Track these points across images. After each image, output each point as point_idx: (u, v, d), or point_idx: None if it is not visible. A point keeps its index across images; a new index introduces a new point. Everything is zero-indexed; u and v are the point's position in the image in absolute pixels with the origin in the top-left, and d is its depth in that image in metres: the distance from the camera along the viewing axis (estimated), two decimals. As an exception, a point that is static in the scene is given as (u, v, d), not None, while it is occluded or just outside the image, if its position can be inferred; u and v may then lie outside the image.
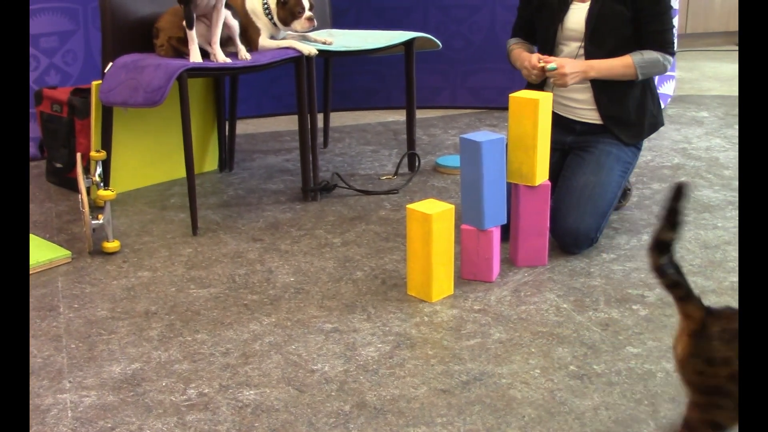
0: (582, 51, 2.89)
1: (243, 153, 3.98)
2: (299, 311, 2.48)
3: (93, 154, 3.11)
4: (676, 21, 4.57)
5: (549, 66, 2.80)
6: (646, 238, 2.93)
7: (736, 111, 4.60)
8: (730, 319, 1.57)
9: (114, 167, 3.32)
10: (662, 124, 3.03)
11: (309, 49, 3.21)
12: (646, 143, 3.19)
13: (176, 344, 2.31)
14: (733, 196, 3.30)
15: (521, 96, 2.62)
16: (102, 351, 2.28)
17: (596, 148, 2.91)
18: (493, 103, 4.68)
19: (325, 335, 2.34)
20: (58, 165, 3.51)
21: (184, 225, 3.11)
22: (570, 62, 2.82)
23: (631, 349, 2.24)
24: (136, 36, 3.17)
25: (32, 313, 2.48)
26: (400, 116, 4.37)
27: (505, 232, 2.77)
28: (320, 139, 4.00)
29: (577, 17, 2.90)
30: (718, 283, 2.60)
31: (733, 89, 5.12)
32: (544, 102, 2.60)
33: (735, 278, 2.61)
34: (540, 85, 2.95)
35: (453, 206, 2.51)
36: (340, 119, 4.50)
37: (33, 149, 3.89)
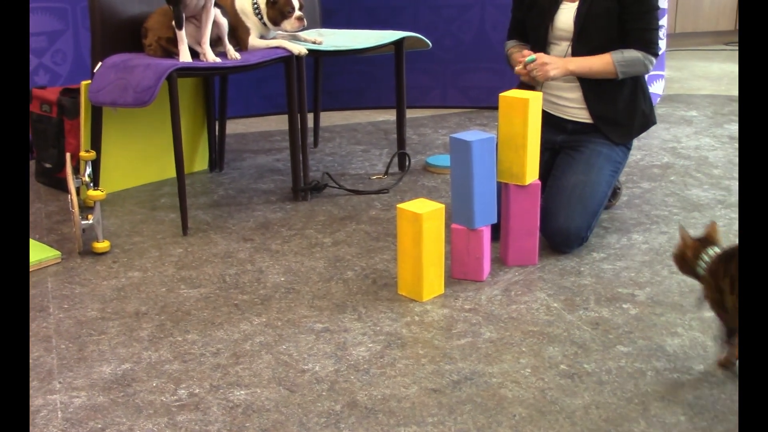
0: (570, 50, 2.90)
1: (233, 153, 3.97)
2: (290, 311, 2.48)
3: (82, 154, 3.10)
4: (665, 20, 4.58)
5: (528, 58, 2.81)
6: (636, 237, 2.94)
7: (725, 110, 4.61)
8: None
9: (104, 167, 3.31)
10: (654, 123, 3.03)
11: (299, 48, 3.21)
12: (635, 142, 3.20)
13: (167, 344, 2.31)
14: (723, 194, 3.31)
15: (511, 95, 2.62)
16: (92, 351, 2.28)
17: (587, 147, 2.92)
18: (483, 102, 4.68)
19: (315, 335, 2.34)
20: (48, 165, 3.50)
21: (175, 225, 3.11)
22: (549, 56, 2.86)
23: (622, 348, 2.25)
24: (126, 36, 3.17)
25: (22, 314, 2.47)
26: (390, 116, 4.37)
27: (496, 231, 2.77)
28: (310, 138, 4.00)
29: (566, 17, 2.91)
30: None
31: (722, 88, 5.14)
32: (533, 101, 2.61)
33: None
34: (531, 85, 2.96)
35: (443, 206, 2.52)
36: (330, 119, 4.50)
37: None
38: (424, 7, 4.62)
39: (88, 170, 3.05)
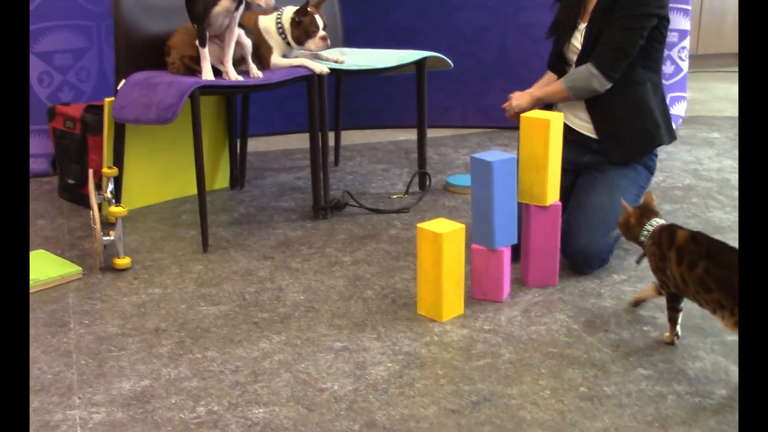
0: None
1: (254, 171, 3.99)
2: (309, 329, 2.48)
3: (105, 170, 3.13)
4: (687, 42, 4.57)
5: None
6: (657, 259, 2.92)
7: (748, 132, 4.58)
8: None
9: (126, 184, 3.33)
10: (662, 143, 2.95)
11: (321, 67, 3.22)
12: (657, 163, 3.18)
13: (186, 361, 2.31)
14: (745, 217, 3.28)
15: (532, 116, 2.62)
16: (112, 367, 2.29)
17: (610, 169, 2.91)
18: (503, 122, 4.66)
19: (334, 354, 2.34)
20: (71, 181, 3.52)
21: (195, 242, 3.12)
22: (517, 92, 3.02)
23: (642, 371, 2.23)
24: (149, 53, 3.19)
25: (43, 329, 2.49)
26: (410, 135, 4.38)
27: (516, 252, 2.77)
28: (331, 157, 4.01)
29: (579, 36, 2.93)
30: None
31: (744, 110, 5.11)
32: (555, 122, 2.60)
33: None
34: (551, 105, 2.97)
35: (464, 226, 2.51)
36: (350, 138, 4.51)
37: (46, 165, 3.91)
38: (444, 28, 4.63)
39: (111, 186, 3.08)
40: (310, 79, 3.21)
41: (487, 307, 2.61)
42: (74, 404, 2.12)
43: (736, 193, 3.59)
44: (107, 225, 3.05)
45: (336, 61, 3.36)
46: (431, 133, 4.27)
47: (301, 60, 3.28)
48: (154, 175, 3.51)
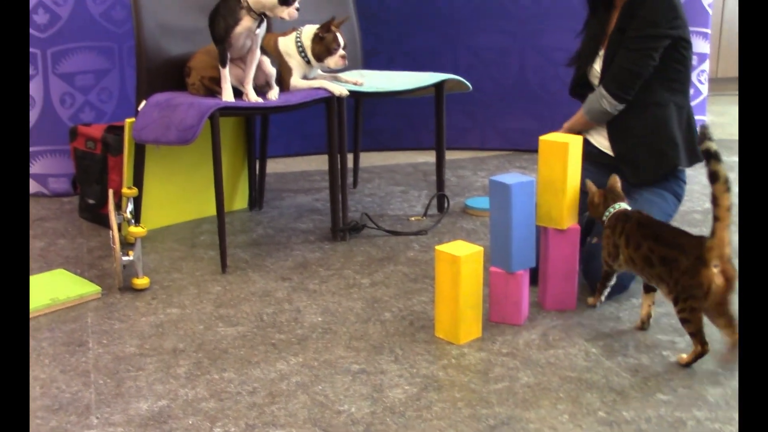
0: None
1: (273, 192, 4.00)
2: (326, 351, 2.48)
3: (125, 190, 3.14)
4: (706, 65, 4.57)
5: None
6: (676, 283, 2.90)
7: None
8: None
9: (145, 204, 3.35)
10: (679, 165, 2.92)
11: (340, 89, 3.24)
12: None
13: (203, 382, 2.31)
14: (765, 242, 3.26)
15: (551, 139, 2.62)
16: (129, 387, 2.29)
17: (640, 195, 2.89)
18: (522, 145, 4.68)
19: (352, 376, 2.34)
20: (91, 201, 3.55)
21: (214, 263, 3.13)
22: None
23: (661, 396, 2.22)
24: (170, 74, 3.22)
25: (61, 348, 2.50)
26: (429, 157, 4.38)
27: (534, 275, 2.76)
28: (350, 179, 4.02)
29: (600, 61, 2.94)
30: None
31: (764, 134, 5.09)
32: (573, 146, 2.60)
33: None
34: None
35: (482, 248, 2.51)
36: (369, 160, 4.52)
37: (66, 185, 3.94)
38: (463, 50, 4.65)
39: (130, 207, 3.09)
40: (330, 101, 3.23)
41: (505, 330, 2.60)
42: (92, 424, 2.12)
43: (757, 217, 3.57)
44: (126, 245, 3.07)
45: (355, 83, 3.37)
46: (450, 156, 4.28)
47: (320, 82, 3.30)
48: (174, 195, 3.53)
